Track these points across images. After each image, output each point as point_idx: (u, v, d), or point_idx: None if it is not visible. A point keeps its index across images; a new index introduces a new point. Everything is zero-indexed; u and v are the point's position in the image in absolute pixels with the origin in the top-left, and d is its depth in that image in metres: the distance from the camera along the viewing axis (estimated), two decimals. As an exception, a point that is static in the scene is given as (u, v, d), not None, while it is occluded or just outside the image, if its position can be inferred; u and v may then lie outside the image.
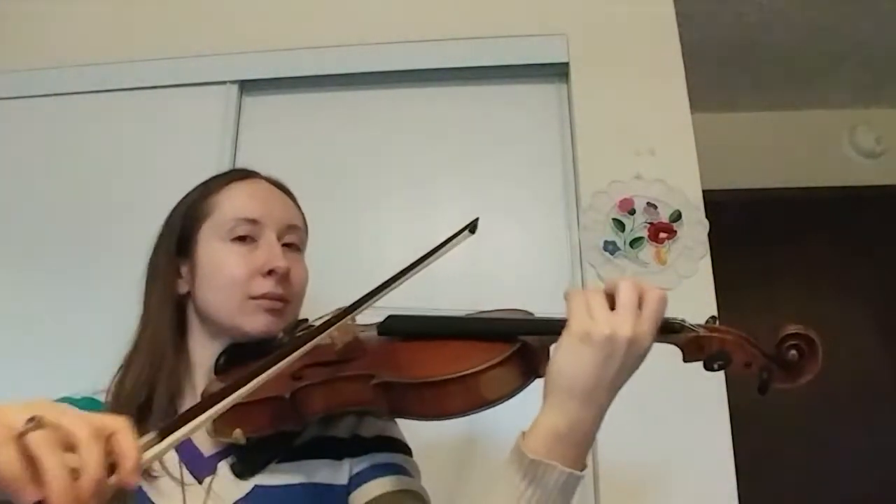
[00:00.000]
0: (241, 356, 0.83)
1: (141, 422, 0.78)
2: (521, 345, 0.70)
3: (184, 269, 0.87)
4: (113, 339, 0.86)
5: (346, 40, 1.65)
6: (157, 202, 0.93)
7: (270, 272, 0.83)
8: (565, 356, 0.65)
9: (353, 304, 0.71)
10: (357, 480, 0.81)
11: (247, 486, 0.77)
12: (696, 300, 1.34)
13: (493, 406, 0.68)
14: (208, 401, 0.55)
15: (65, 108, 1.67)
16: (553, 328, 0.71)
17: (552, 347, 0.70)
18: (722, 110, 2.47)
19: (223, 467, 0.79)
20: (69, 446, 0.43)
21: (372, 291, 0.73)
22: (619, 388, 0.66)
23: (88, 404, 0.83)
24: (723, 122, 2.45)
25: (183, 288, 0.87)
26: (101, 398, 0.84)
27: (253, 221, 0.85)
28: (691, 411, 1.30)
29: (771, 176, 2.40)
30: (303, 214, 0.95)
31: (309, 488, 0.79)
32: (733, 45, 2.15)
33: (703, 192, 1.46)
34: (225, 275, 0.83)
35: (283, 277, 0.84)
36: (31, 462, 0.42)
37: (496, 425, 1.24)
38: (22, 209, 1.60)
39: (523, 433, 0.67)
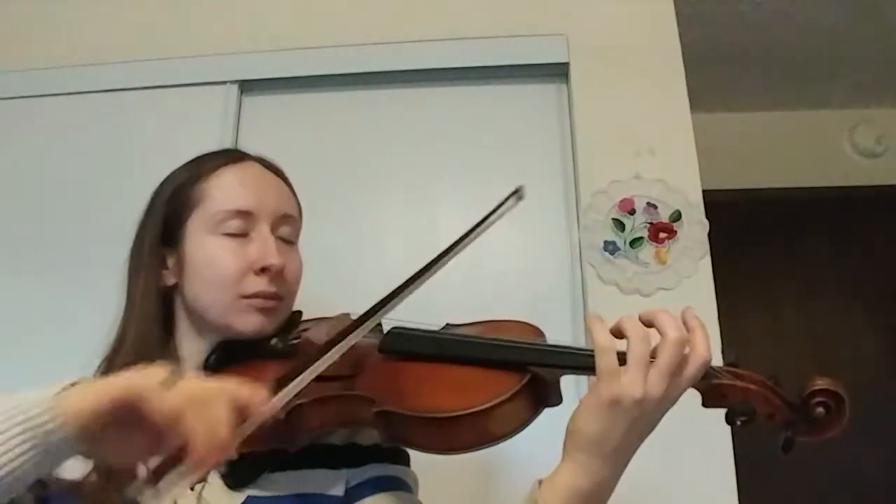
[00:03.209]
0: (232, 354, 0.80)
1: None
2: (531, 376, 0.66)
3: (170, 260, 0.83)
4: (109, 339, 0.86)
5: (347, 40, 1.65)
6: (156, 202, 0.93)
7: (264, 269, 0.79)
8: (590, 417, 0.62)
9: (397, 289, 0.68)
10: (354, 494, 0.77)
11: (239, 497, 0.74)
12: (696, 300, 1.33)
13: (502, 441, 0.65)
14: (315, 354, 0.60)
15: (65, 108, 1.67)
16: (566, 362, 0.68)
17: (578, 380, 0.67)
18: (722, 110, 2.47)
19: (214, 476, 0.76)
20: (203, 403, 0.50)
21: (417, 273, 0.69)
22: (643, 441, 0.64)
23: None
24: (723, 122, 2.45)
25: (169, 280, 0.83)
26: None
27: (245, 213, 0.81)
28: (691, 410, 1.30)
29: (771, 176, 2.40)
30: (297, 200, 0.91)
31: (303, 499, 0.75)
32: (733, 45, 2.15)
33: (703, 192, 1.46)
34: (215, 272, 0.79)
35: (277, 274, 0.80)
36: (178, 412, 0.49)
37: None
38: (22, 209, 1.60)
39: (539, 482, 0.64)
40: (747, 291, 2.20)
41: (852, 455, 2.10)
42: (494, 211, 0.75)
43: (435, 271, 0.69)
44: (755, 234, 2.33)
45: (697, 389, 0.66)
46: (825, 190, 2.39)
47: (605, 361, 0.62)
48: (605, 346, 0.62)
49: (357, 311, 0.82)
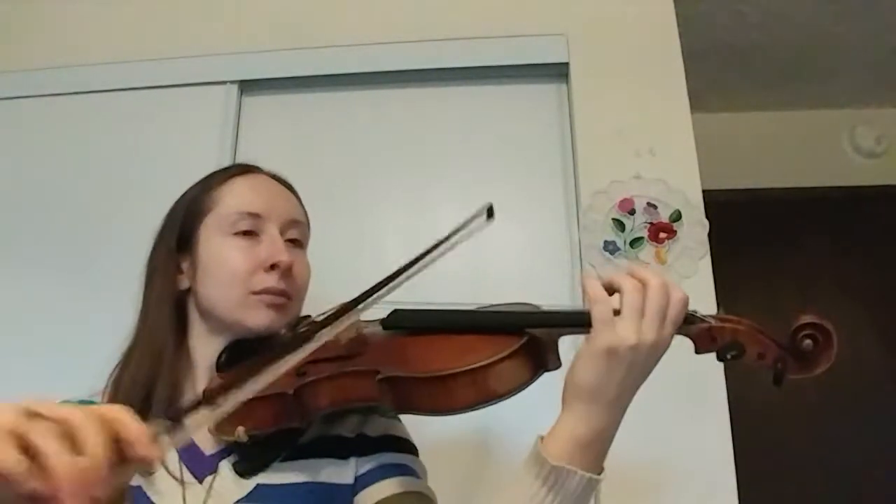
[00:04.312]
0: (242, 353, 0.83)
1: (143, 421, 0.78)
2: (529, 338, 0.69)
3: (184, 265, 0.86)
4: (113, 339, 0.86)
5: (347, 40, 1.65)
6: (156, 202, 0.93)
7: (273, 267, 0.82)
8: (588, 366, 0.64)
9: (362, 294, 0.69)
10: (363, 481, 0.79)
11: (249, 485, 0.76)
12: (696, 300, 1.32)
13: (502, 400, 0.67)
14: (212, 396, 0.54)
15: (65, 108, 1.67)
16: (561, 321, 0.70)
17: (576, 343, 0.69)
18: (722, 110, 2.47)
19: (225, 466, 0.77)
20: (68, 435, 0.41)
21: (382, 282, 0.70)
22: (638, 388, 0.66)
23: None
24: (723, 122, 2.45)
25: (183, 283, 0.86)
26: (99, 399, 0.83)
27: (255, 215, 0.84)
28: (691, 409, 1.30)
29: (771, 176, 2.40)
30: (304, 210, 0.94)
31: (313, 487, 0.77)
32: (733, 45, 2.15)
33: (703, 192, 1.46)
34: (227, 269, 0.82)
35: (286, 272, 0.83)
36: (32, 453, 0.40)
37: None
38: (22, 209, 1.60)
39: (541, 437, 0.66)
40: (747, 291, 2.20)
41: (852, 452, 2.10)
42: (462, 227, 0.76)
43: (393, 289, 0.69)
44: (755, 234, 2.33)
45: (689, 336, 0.69)
46: (825, 190, 2.39)
47: (599, 311, 0.64)
48: (599, 297, 0.65)
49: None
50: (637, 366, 0.64)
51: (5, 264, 1.56)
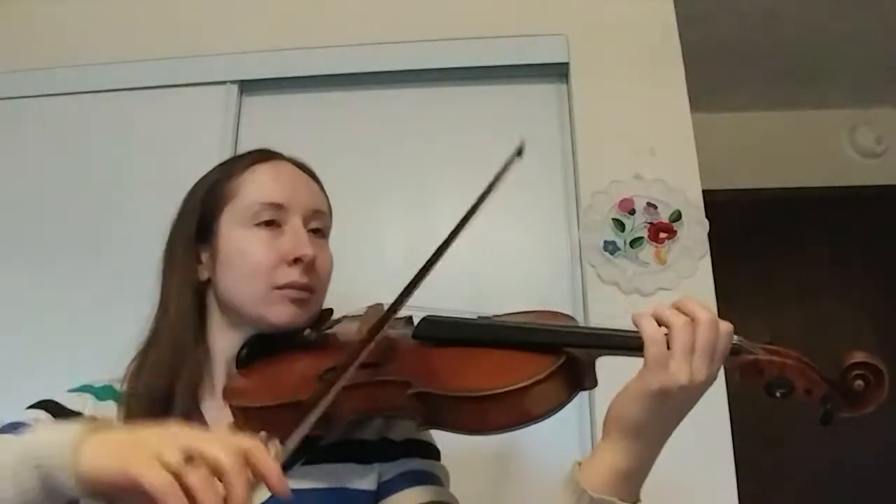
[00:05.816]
0: (263, 348, 0.81)
1: (163, 413, 0.75)
2: (567, 357, 0.66)
3: (204, 255, 0.84)
4: (115, 337, 0.85)
5: (346, 40, 1.65)
6: (156, 202, 0.93)
7: (296, 260, 0.80)
8: (638, 405, 0.63)
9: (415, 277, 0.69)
10: (386, 489, 0.77)
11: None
12: (696, 300, 1.33)
13: (536, 422, 0.65)
14: (310, 402, 0.59)
15: (64, 108, 1.67)
16: (600, 342, 0.68)
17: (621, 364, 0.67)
18: (722, 110, 2.46)
19: None
20: (218, 475, 0.48)
21: (431, 259, 0.71)
22: (682, 420, 0.66)
23: (108, 393, 0.81)
24: (723, 122, 2.45)
25: (203, 274, 0.83)
26: (118, 387, 0.81)
27: (278, 206, 0.82)
28: (691, 414, 1.30)
29: (771, 176, 2.40)
30: (327, 198, 0.92)
31: (335, 493, 0.75)
32: (733, 45, 2.15)
33: (703, 192, 1.46)
34: (248, 263, 0.80)
35: (309, 266, 0.81)
36: (188, 495, 0.46)
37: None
38: (22, 209, 1.60)
39: (579, 464, 0.65)
40: (747, 291, 2.20)
41: (853, 453, 2.10)
42: (501, 172, 0.78)
43: (452, 242, 0.72)
44: (755, 234, 2.33)
45: (735, 367, 0.67)
46: (825, 190, 2.39)
47: (654, 352, 0.63)
48: (655, 338, 0.63)
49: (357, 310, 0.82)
50: (686, 402, 0.64)
51: (5, 264, 1.56)
